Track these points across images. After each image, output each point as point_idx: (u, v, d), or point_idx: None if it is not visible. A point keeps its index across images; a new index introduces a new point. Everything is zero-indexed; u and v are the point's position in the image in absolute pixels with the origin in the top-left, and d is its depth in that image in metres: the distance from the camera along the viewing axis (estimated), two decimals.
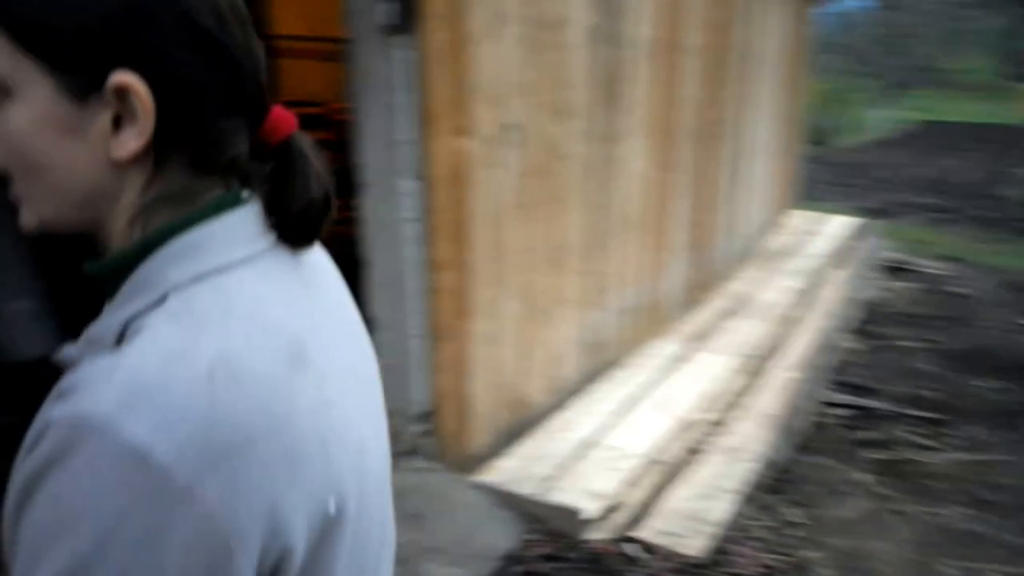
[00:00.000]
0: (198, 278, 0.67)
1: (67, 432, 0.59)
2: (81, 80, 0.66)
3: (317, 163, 0.76)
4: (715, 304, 5.60)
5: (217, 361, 0.62)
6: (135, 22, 0.65)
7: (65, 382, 0.64)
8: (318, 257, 0.82)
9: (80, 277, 0.77)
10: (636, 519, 3.11)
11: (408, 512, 2.85)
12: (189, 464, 0.58)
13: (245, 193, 0.75)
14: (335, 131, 6.79)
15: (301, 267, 0.76)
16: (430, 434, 3.16)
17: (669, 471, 3.43)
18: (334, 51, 4.89)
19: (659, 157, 4.45)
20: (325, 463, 0.68)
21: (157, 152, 0.69)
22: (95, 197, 0.70)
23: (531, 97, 3.25)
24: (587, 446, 3.48)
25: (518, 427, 3.51)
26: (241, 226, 0.72)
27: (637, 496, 3.22)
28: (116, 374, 0.60)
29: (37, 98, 0.66)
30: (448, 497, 3.00)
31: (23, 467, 0.62)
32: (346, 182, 3.03)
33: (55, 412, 0.61)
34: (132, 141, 0.67)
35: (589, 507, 3.03)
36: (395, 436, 3.09)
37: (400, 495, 2.91)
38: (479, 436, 3.26)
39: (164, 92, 0.67)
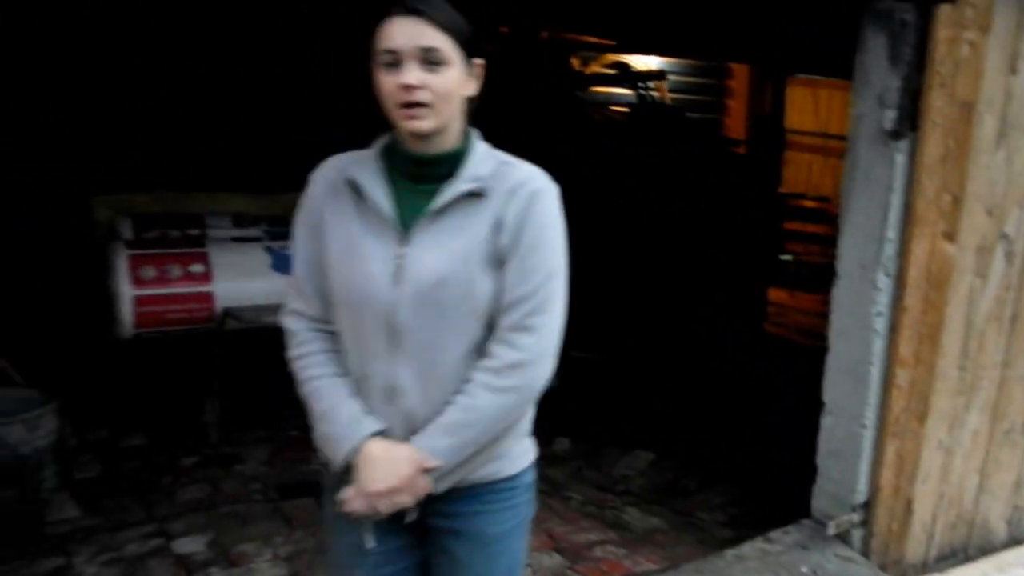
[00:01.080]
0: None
1: (540, 187, 1.61)
2: (470, 61, 1.58)
3: None
4: None
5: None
6: (481, 40, 1.61)
7: (508, 182, 1.60)
8: None
9: None
10: None
11: None
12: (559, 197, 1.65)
13: None
14: (831, 226, 6.89)
15: None
16: (863, 525, 3.16)
17: None
18: (839, 148, 5.07)
19: None
20: None
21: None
22: (456, 114, 1.61)
23: None
24: None
25: (964, 547, 3.32)
26: None
27: None
28: (534, 172, 1.64)
29: (457, 67, 1.56)
30: None
31: (508, 208, 1.58)
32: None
33: (530, 188, 1.60)
34: (474, 88, 1.63)
35: None
36: (828, 519, 3.17)
37: None
38: (915, 543, 3.17)
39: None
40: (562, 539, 3.48)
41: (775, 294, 6.86)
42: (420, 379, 1.60)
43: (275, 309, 4.00)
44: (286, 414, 4.64)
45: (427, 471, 1.57)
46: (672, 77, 7.20)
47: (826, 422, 3.22)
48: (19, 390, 3.57)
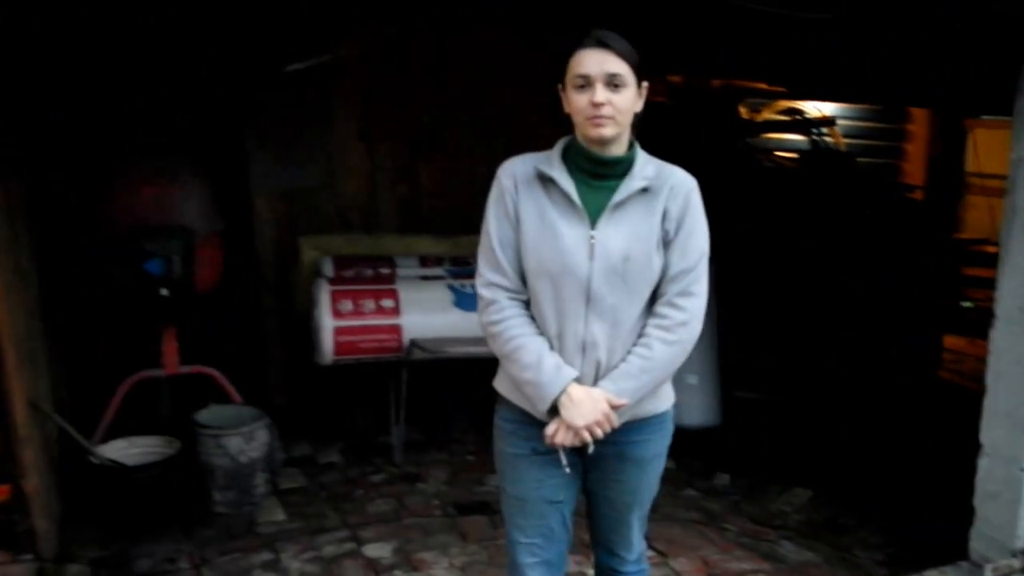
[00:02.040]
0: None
1: (692, 185, 2.10)
2: (640, 84, 2.04)
3: None
4: None
5: None
6: (642, 67, 2.03)
7: (670, 181, 2.08)
8: None
9: None
10: None
11: None
12: None
13: None
14: None
15: None
16: None
17: None
18: None
19: None
20: None
21: None
22: (628, 125, 2.05)
23: None
24: None
25: None
26: None
27: None
28: (685, 173, 2.12)
29: (632, 88, 2.01)
30: None
31: (672, 202, 2.05)
32: None
33: (687, 186, 2.09)
34: (641, 104, 2.05)
35: None
36: (985, 562, 3.18)
37: None
38: None
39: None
40: (716, 566, 3.62)
41: (953, 341, 6.65)
42: (608, 335, 2.06)
43: (457, 341, 4.46)
44: (463, 439, 5.04)
45: (615, 408, 2.02)
46: (848, 122, 7.19)
47: (983, 464, 3.23)
48: (238, 407, 4.11)
